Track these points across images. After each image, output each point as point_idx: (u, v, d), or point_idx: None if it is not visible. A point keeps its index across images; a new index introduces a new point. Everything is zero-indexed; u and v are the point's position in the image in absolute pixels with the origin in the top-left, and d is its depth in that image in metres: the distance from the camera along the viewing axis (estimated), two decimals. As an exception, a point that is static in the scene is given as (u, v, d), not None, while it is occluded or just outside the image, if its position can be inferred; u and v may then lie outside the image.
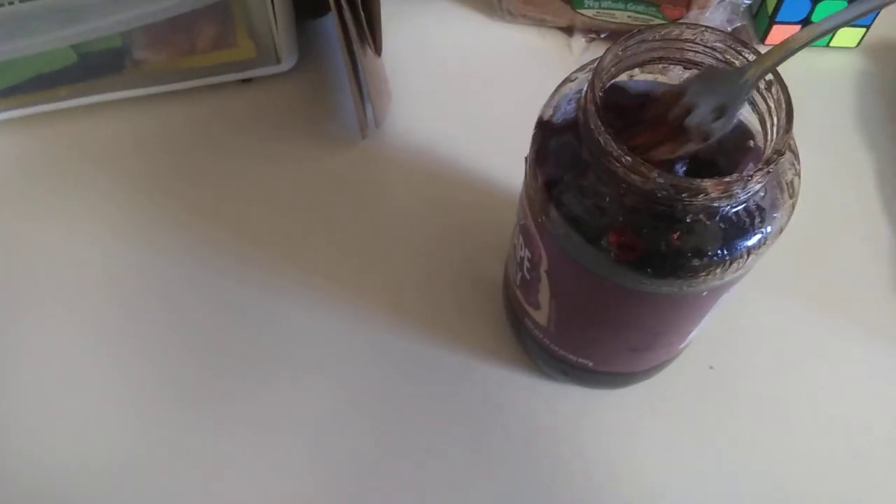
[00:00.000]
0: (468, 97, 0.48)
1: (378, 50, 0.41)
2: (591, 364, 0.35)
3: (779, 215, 0.27)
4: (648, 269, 0.27)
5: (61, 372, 0.39)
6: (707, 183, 0.24)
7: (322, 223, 0.43)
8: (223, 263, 0.42)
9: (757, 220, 0.26)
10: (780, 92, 0.26)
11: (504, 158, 0.44)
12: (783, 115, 0.26)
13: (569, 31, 0.50)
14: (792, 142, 0.28)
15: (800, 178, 0.28)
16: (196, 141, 0.46)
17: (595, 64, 0.27)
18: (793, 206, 0.28)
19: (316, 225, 0.43)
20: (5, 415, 0.38)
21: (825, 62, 0.49)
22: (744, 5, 0.46)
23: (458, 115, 0.47)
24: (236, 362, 0.40)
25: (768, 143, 0.26)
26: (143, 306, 0.41)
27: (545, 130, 0.29)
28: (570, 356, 0.35)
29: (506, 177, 0.44)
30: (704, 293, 0.29)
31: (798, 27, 0.48)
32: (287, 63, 0.47)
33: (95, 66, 0.43)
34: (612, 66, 0.27)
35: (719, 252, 0.26)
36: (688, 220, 0.26)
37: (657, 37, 0.27)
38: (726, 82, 0.26)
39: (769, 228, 0.27)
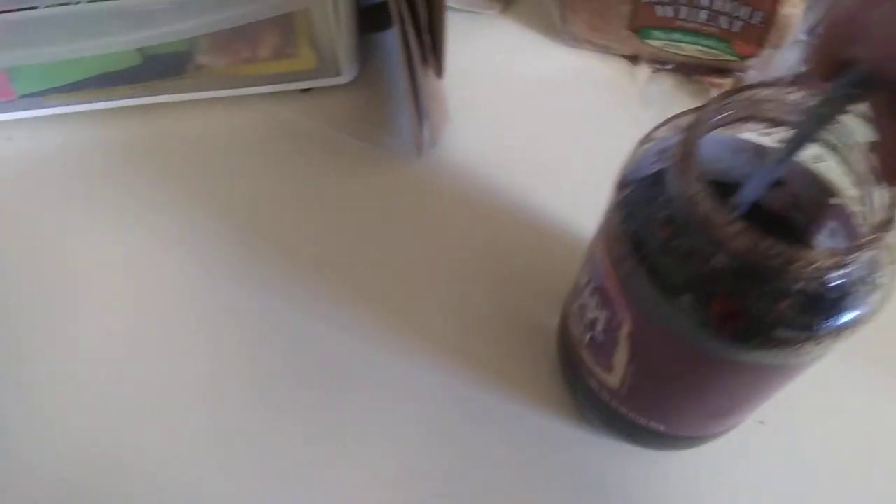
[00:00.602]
0: (527, 123, 0.47)
1: (440, 72, 0.41)
2: (662, 428, 0.34)
3: (884, 280, 0.26)
4: (753, 342, 0.25)
5: (134, 377, 0.40)
6: (819, 254, 0.23)
7: (372, 244, 0.43)
8: (266, 275, 0.42)
9: (865, 287, 0.25)
10: None
11: (562, 192, 0.44)
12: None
13: (633, 59, 0.49)
14: None
15: None
16: (250, 147, 0.46)
17: (684, 120, 0.26)
18: (895, 272, 0.26)
19: (364, 245, 0.43)
20: (75, 415, 0.38)
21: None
22: (819, 46, 0.45)
23: (516, 141, 0.46)
24: (281, 388, 0.39)
25: (868, 206, 0.25)
26: (181, 312, 0.41)
27: (629, 191, 0.28)
28: (641, 420, 0.34)
29: (563, 214, 0.43)
30: (806, 362, 0.27)
31: (874, 71, 0.47)
32: (347, 75, 0.46)
33: (158, 69, 0.44)
34: (709, 122, 0.26)
35: (829, 322, 0.25)
36: (794, 289, 0.24)
37: (772, 95, 0.26)
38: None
39: (878, 293, 0.26)
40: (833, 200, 0.28)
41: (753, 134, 0.29)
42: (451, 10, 0.43)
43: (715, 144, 0.28)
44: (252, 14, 0.41)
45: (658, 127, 0.29)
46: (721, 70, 0.47)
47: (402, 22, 0.39)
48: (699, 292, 0.25)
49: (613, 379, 0.33)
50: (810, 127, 0.25)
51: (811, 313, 0.25)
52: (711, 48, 0.45)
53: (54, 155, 0.45)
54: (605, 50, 0.49)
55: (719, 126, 0.27)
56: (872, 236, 0.24)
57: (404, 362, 0.40)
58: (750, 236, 0.24)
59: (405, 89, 0.41)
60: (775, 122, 0.27)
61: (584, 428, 0.38)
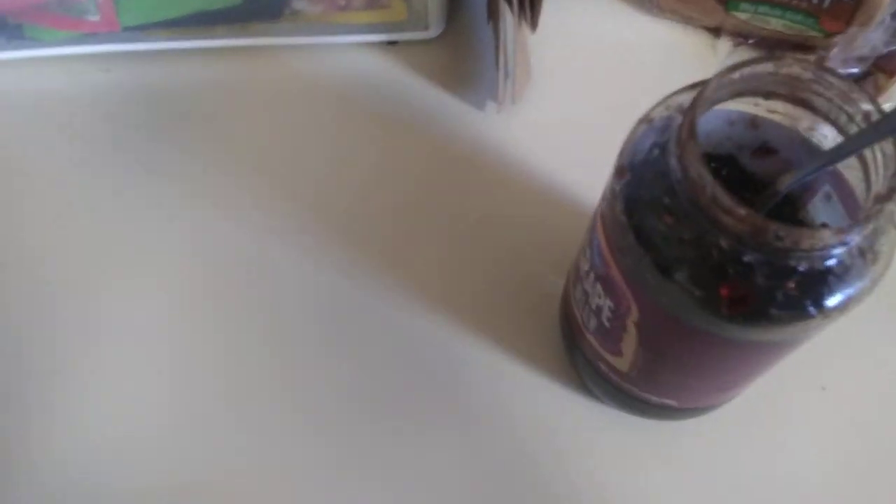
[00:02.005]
0: (605, 90, 0.48)
1: (534, 25, 0.42)
2: (675, 404, 0.35)
3: (887, 247, 0.26)
4: (763, 322, 0.25)
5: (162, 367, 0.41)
6: (826, 233, 0.23)
7: (430, 198, 0.44)
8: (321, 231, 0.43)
9: (869, 255, 0.26)
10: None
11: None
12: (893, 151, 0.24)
13: (716, 31, 0.49)
14: None
15: None
16: (334, 96, 0.47)
17: (681, 98, 0.26)
18: None
19: (424, 203, 0.44)
20: (102, 415, 0.39)
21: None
22: (906, 28, 0.45)
23: (592, 107, 0.47)
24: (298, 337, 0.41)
25: (874, 175, 0.25)
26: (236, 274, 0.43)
27: (630, 177, 0.27)
28: (653, 398, 0.34)
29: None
30: (814, 335, 0.28)
31: (959, 57, 0.47)
32: (435, 30, 0.47)
33: (256, 11, 0.45)
34: (714, 95, 0.25)
35: (837, 296, 0.25)
36: (802, 269, 0.25)
37: (772, 70, 0.26)
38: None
39: (880, 261, 0.26)
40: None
41: (746, 105, 0.28)
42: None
43: (709, 117, 0.28)
44: (351, -39, 0.42)
45: (655, 107, 0.29)
46: (804, 46, 0.47)
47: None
48: (707, 279, 0.25)
49: (623, 363, 0.33)
50: (880, 134, 0.24)
51: (818, 290, 0.25)
52: (798, 23, 0.46)
53: (148, 91, 0.47)
54: (688, 21, 0.49)
55: (717, 102, 0.27)
56: (875, 207, 0.24)
57: (409, 317, 0.41)
58: (757, 220, 0.23)
59: (491, 46, 0.42)
60: (768, 95, 0.27)
61: (590, 398, 0.39)
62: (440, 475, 0.38)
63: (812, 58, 0.46)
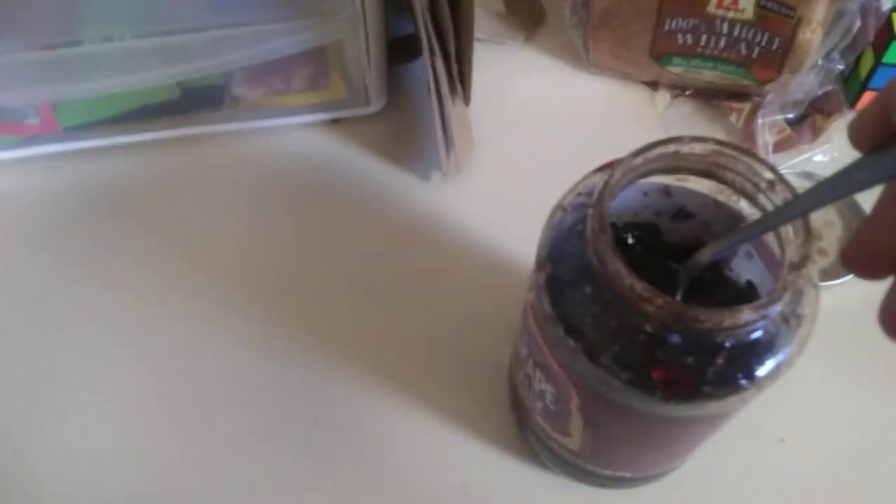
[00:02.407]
0: (550, 149, 0.48)
1: (467, 100, 0.42)
2: (629, 475, 0.35)
3: (809, 309, 0.27)
4: (698, 399, 0.26)
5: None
6: (745, 311, 0.24)
7: (383, 273, 0.44)
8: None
9: (793, 321, 0.26)
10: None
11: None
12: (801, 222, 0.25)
13: (654, 85, 0.50)
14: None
15: (815, 264, 0.27)
16: (283, 176, 0.48)
17: (593, 180, 0.26)
18: (818, 295, 0.27)
19: (374, 276, 0.44)
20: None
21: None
22: (837, 70, 0.46)
23: (539, 168, 0.47)
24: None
25: (786, 243, 0.26)
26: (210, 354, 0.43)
27: (552, 268, 0.27)
28: (607, 472, 0.35)
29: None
30: (751, 401, 0.28)
31: (892, 94, 0.47)
32: (376, 105, 0.48)
33: (196, 101, 0.46)
34: (621, 182, 0.26)
35: (766, 365, 0.26)
36: (728, 344, 0.25)
37: (674, 150, 0.26)
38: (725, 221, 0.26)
39: (805, 325, 0.26)
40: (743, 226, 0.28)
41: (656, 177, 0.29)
42: (477, 40, 0.44)
43: (624, 191, 0.28)
44: (285, 48, 0.43)
45: (567, 194, 0.29)
46: (739, 95, 0.48)
47: (432, 52, 0.40)
48: (638, 364, 0.25)
49: (573, 443, 0.33)
50: (833, 194, 0.23)
51: (747, 362, 0.25)
52: (730, 73, 0.47)
53: (96, 186, 0.47)
54: (626, 77, 0.50)
55: (625, 187, 0.27)
56: (791, 276, 0.24)
57: (359, 395, 0.40)
58: (676, 307, 0.24)
59: (433, 117, 0.43)
60: (676, 171, 0.28)
61: (542, 470, 0.38)
62: None
63: (747, 106, 0.47)
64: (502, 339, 0.40)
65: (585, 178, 0.29)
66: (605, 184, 0.25)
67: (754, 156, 0.26)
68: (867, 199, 0.44)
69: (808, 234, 0.25)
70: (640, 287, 0.24)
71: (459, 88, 0.41)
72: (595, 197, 0.25)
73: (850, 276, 0.42)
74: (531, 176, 0.47)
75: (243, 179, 0.47)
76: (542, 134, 0.49)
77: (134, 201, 0.47)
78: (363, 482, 0.39)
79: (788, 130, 0.47)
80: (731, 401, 0.26)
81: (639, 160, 0.26)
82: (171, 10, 0.40)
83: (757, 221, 0.26)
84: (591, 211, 0.25)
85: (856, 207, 0.45)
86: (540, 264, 0.28)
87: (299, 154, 0.48)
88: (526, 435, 0.37)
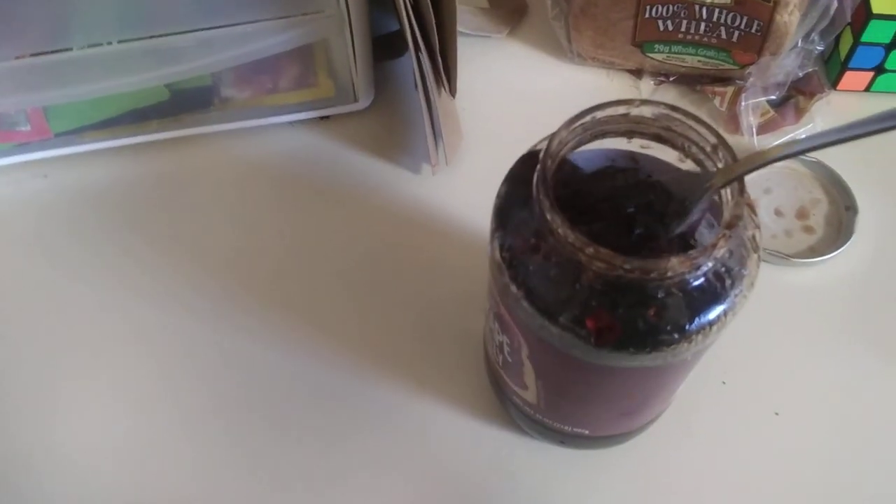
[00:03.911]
0: (536, 139, 0.49)
1: (453, 92, 0.43)
2: (587, 432, 0.35)
3: (747, 271, 0.27)
4: (630, 349, 0.27)
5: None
6: (674, 261, 0.25)
7: (377, 263, 0.45)
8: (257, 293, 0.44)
9: (727, 280, 0.27)
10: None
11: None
12: (736, 184, 0.26)
13: (637, 73, 0.50)
14: (748, 199, 0.28)
15: (760, 230, 0.28)
16: (273, 174, 0.48)
17: (541, 154, 0.27)
18: (758, 260, 0.28)
19: (368, 267, 0.45)
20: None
21: None
22: (816, 51, 0.47)
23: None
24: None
25: (725, 205, 0.27)
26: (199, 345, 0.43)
27: (504, 221, 0.29)
28: (566, 428, 0.35)
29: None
30: (689, 357, 0.29)
31: (870, 74, 0.48)
32: (364, 101, 0.48)
33: (185, 103, 0.46)
34: (560, 151, 0.27)
35: (697, 320, 0.26)
36: (660, 296, 0.26)
37: (604, 117, 0.28)
38: (690, 185, 0.27)
39: (741, 284, 0.27)
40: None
41: (619, 144, 0.29)
42: (462, 34, 0.45)
43: (591, 158, 0.29)
44: (273, 47, 0.43)
45: (526, 155, 0.30)
46: (721, 79, 0.49)
47: (416, 47, 0.41)
48: (574, 312, 0.26)
49: (530, 395, 0.34)
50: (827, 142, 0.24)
51: (677, 315, 0.26)
52: (711, 58, 0.47)
53: (88, 191, 0.48)
54: (609, 66, 0.51)
55: (578, 145, 0.28)
56: (722, 233, 0.25)
57: (348, 374, 0.41)
58: (607, 255, 0.25)
59: (421, 111, 0.43)
60: (629, 134, 0.29)
61: (520, 434, 0.39)
62: None
63: (730, 90, 0.48)
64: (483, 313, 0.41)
65: (541, 140, 0.30)
66: (552, 137, 0.26)
67: (699, 120, 0.27)
68: (852, 179, 0.45)
69: (741, 195, 0.26)
70: (574, 237, 0.25)
71: (445, 81, 0.42)
72: (543, 150, 0.26)
73: (837, 252, 0.43)
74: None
75: (235, 178, 0.48)
76: (529, 124, 0.48)
77: (127, 204, 0.47)
78: (348, 452, 0.39)
79: (772, 112, 0.47)
80: (663, 353, 0.27)
81: (588, 119, 0.27)
82: (159, 12, 0.41)
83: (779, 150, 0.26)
84: (538, 165, 0.26)
85: (842, 186, 0.45)
86: (494, 215, 0.29)
87: (289, 152, 0.49)
88: (500, 396, 0.38)
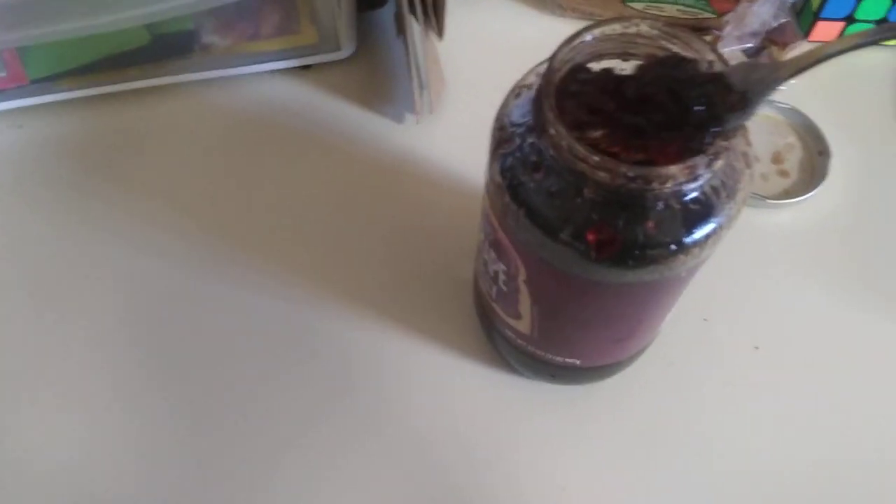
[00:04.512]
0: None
1: (441, 33, 0.43)
2: (578, 363, 0.36)
3: (742, 185, 0.28)
4: (629, 262, 0.27)
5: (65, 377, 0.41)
6: (674, 169, 0.25)
7: (358, 208, 0.45)
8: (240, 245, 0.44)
9: (723, 194, 0.27)
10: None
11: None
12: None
13: (616, 25, 0.51)
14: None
15: (751, 146, 0.29)
16: (254, 124, 0.48)
17: (546, 64, 0.27)
18: (751, 176, 0.29)
19: (353, 216, 0.45)
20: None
21: (870, 57, 0.51)
22: (790, 1, 0.48)
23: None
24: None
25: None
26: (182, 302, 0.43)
27: (503, 135, 0.29)
28: (557, 358, 0.36)
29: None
30: (683, 273, 0.29)
31: (842, 24, 0.50)
32: (346, 50, 0.48)
33: (166, 48, 0.45)
34: (564, 65, 0.27)
35: (694, 232, 0.27)
36: (659, 207, 0.26)
37: (609, 33, 0.28)
38: (755, 74, 0.26)
39: (736, 199, 0.28)
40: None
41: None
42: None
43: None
44: (255, -11, 0.43)
45: (526, 75, 0.31)
46: (700, 28, 0.50)
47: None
48: (574, 227, 0.27)
49: (523, 325, 0.34)
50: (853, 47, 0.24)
51: (676, 227, 0.27)
52: (690, 6, 0.48)
53: (65, 141, 0.47)
54: (590, 17, 0.51)
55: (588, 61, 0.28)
56: (721, 145, 0.26)
57: (334, 321, 0.41)
58: (608, 164, 0.25)
59: (403, 60, 0.43)
60: (625, 56, 0.29)
61: (510, 374, 0.40)
62: (368, 462, 0.38)
63: (708, 37, 0.49)
64: (470, 257, 0.41)
65: (542, 62, 0.30)
66: (554, 55, 0.27)
67: (697, 37, 0.27)
68: (825, 125, 0.46)
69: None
70: (579, 148, 0.25)
71: (434, 21, 0.42)
72: (546, 66, 0.27)
73: (811, 194, 0.44)
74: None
75: (215, 128, 0.47)
76: (510, 72, 0.49)
77: (105, 154, 0.46)
78: (336, 397, 0.39)
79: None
80: (661, 266, 0.28)
81: (587, 37, 0.27)
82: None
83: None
84: (541, 78, 0.27)
85: (814, 132, 0.47)
86: (494, 136, 0.29)
87: (271, 101, 0.48)
88: (491, 334, 0.39)
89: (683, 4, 0.48)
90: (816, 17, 0.49)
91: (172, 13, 0.42)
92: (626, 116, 0.27)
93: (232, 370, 0.40)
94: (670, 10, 0.49)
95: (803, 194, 0.44)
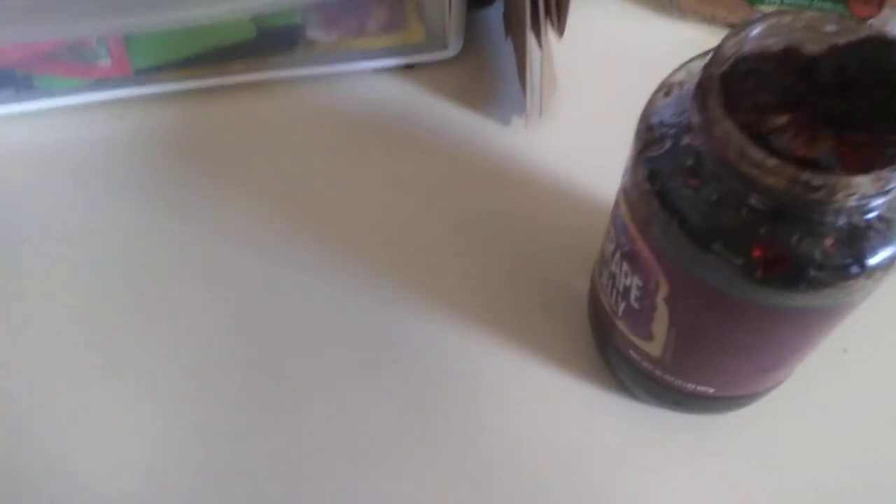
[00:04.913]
0: (631, 93, 0.46)
1: (562, 30, 0.41)
2: (711, 391, 0.33)
3: None
4: (801, 285, 0.24)
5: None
6: (865, 179, 0.22)
7: (465, 217, 0.42)
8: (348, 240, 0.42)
9: None
10: None
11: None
12: None
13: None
14: None
15: None
16: (357, 123, 0.46)
17: (701, 62, 0.24)
18: None
19: (456, 221, 0.42)
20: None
21: None
22: (939, 6, 0.44)
23: (620, 112, 0.45)
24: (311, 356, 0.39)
25: None
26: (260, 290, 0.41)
27: (651, 137, 0.26)
28: (688, 385, 0.33)
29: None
30: (857, 300, 0.26)
31: None
32: (453, 49, 0.46)
33: (272, 43, 0.44)
34: (728, 59, 0.24)
35: (879, 252, 0.24)
36: (840, 223, 0.23)
37: (790, 20, 0.25)
38: None
39: None
40: None
41: None
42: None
43: None
44: (366, -17, 0.41)
45: (674, 72, 0.28)
46: (835, 35, 0.46)
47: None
48: (738, 241, 0.24)
49: (654, 347, 0.31)
50: None
51: (860, 247, 0.23)
52: (827, 11, 0.44)
53: (165, 134, 0.46)
54: (711, 20, 0.48)
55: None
56: None
57: (435, 330, 0.39)
58: (789, 170, 0.22)
59: (518, 57, 0.41)
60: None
61: (625, 397, 0.37)
62: (472, 483, 0.35)
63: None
64: (582, 272, 0.39)
65: (692, 59, 0.27)
66: (721, 44, 0.24)
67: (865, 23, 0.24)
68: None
69: None
70: (753, 151, 0.22)
71: (555, 16, 0.39)
72: (706, 62, 0.24)
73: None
74: (612, 119, 0.45)
75: (316, 126, 0.46)
76: (624, 78, 0.46)
77: (205, 148, 0.45)
78: (442, 416, 0.37)
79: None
80: (837, 290, 0.24)
81: (756, 30, 0.24)
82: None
83: None
84: (702, 71, 0.24)
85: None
86: (639, 138, 0.27)
87: (376, 100, 0.47)
88: (607, 354, 0.36)
89: (820, 9, 0.44)
90: (967, 25, 0.45)
91: (282, 5, 0.40)
92: (822, 103, 0.23)
93: (321, 374, 0.38)
94: (804, 15, 0.45)
95: None
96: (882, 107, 0.23)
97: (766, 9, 0.45)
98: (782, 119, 0.24)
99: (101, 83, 0.44)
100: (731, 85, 0.24)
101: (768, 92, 0.24)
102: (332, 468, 0.36)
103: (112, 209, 0.43)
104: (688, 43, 0.48)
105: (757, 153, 0.23)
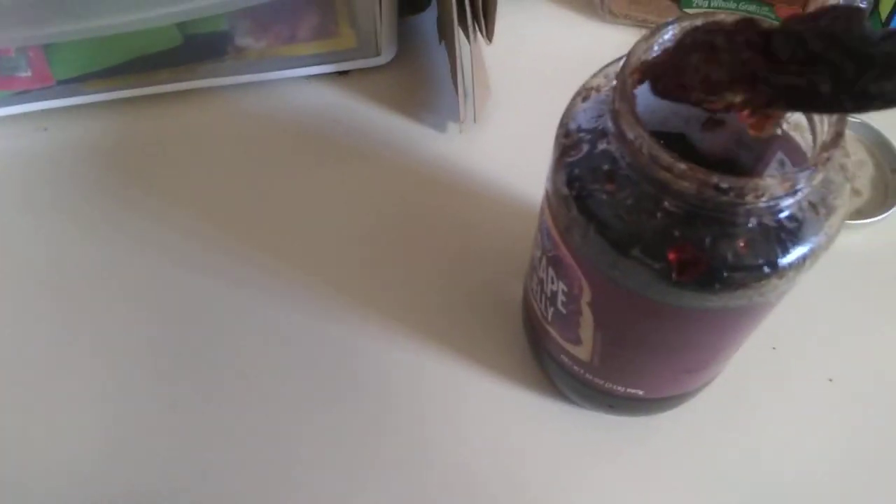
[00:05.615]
0: (561, 102, 0.46)
1: (490, 36, 0.41)
2: (642, 393, 0.33)
3: (840, 201, 0.25)
4: (716, 285, 0.24)
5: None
6: (773, 181, 0.22)
7: (399, 222, 0.42)
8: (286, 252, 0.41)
9: (822, 210, 0.24)
10: None
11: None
12: None
13: (671, 33, 0.48)
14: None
15: (850, 157, 0.26)
16: (289, 131, 0.45)
17: (618, 67, 0.24)
18: (850, 189, 0.26)
19: (390, 226, 0.42)
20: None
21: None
22: (864, 5, 0.45)
23: (554, 116, 0.46)
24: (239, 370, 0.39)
25: (818, 127, 0.24)
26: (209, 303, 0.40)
27: (569, 142, 0.26)
28: (618, 388, 0.33)
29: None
30: (773, 299, 0.26)
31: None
32: (386, 55, 0.46)
33: (199, 50, 0.43)
34: (637, 66, 0.24)
35: (791, 252, 0.24)
36: (751, 224, 0.23)
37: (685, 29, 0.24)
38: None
39: (835, 216, 0.25)
40: (778, 131, 0.26)
41: None
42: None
43: (649, 96, 0.26)
44: (294, -11, 0.41)
45: (591, 77, 0.28)
46: (762, 37, 0.47)
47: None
48: (654, 245, 0.24)
49: (583, 351, 0.31)
50: None
51: (771, 247, 0.24)
52: (753, 13, 0.45)
53: (91, 145, 0.45)
54: (643, 24, 0.48)
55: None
56: (822, 155, 0.22)
57: (371, 339, 0.39)
58: (699, 173, 0.22)
59: (451, 63, 0.41)
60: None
61: (561, 401, 0.37)
62: (407, 485, 0.35)
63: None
64: (517, 277, 0.39)
65: (610, 64, 0.27)
66: (631, 52, 0.24)
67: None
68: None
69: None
70: (663, 155, 0.22)
71: (483, 23, 0.39)
72: (620, 67, 0.24)
73: (885, 215, 0.41)
74: (545, 125, 0.45)
75: (247, 135, 0.45)
76: (556, 82, 0.46)
77: (132, 159, 0.44)
78: (379, 425, 0.37)
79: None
80: (752, 290, 0.24)
81: (667, 34, 0.24)
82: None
83: None
84: (614, 81, 0.24)
85: (886, 147, 0.43)
86: (558, 144, 0.27)
87: (307, 107, 0.46)
88: (541, 359, 0.36)
89: (746, 11, 0.45)
90: (885, 27, 0.46)
91: (205, 12, 0.39)
92: (786, 77, 0.21)
93: (264, 388, 0.37)
94: (731, 17, 0.46)
95: (877, 215, 0.41)
96: (848, 82, 0.21)
97: (695, 12, 0.46)
98: (739, 97, 0.23)
99: (23, 95, 0.43)
100: (686, 48, 0.23)
101: (721, 67, 0.23)
102: (273, 483, 0.35)
103: (36, 221, 0.42)
104: (620, 47, 0.48)
105: (667, 158, 0.23)
